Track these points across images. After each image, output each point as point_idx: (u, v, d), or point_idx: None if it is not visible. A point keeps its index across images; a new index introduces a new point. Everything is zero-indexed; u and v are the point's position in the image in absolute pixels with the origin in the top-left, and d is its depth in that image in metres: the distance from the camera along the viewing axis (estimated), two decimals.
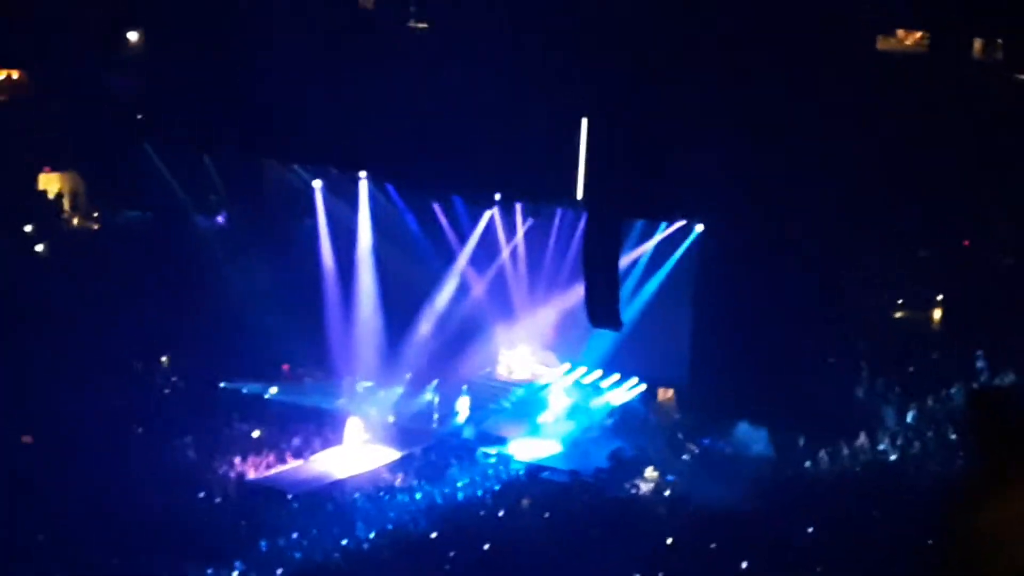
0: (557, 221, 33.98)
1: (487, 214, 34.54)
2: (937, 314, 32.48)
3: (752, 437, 29.68)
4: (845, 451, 28.84)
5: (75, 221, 36.88)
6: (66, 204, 36.88)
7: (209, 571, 24.57)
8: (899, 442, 29.06)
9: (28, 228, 35.05)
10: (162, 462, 29.04)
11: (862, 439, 29.11)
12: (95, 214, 36.92)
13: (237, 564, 24.83)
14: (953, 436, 28.34)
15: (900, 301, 32.50)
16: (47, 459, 28.04)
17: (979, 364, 29.96)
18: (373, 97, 29.09)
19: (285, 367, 34.67)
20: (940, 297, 32.39)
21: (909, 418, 29.84)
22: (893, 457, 28.79)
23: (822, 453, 28.73)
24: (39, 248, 35.00)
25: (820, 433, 29.23)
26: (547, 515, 27.28)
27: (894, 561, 22.61)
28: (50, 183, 36.50)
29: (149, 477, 27.92)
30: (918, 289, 32.24)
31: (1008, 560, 6.18)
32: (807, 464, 28.79)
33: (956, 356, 30.50)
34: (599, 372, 33.81)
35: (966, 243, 31.34)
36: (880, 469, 28.42)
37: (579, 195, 26.15)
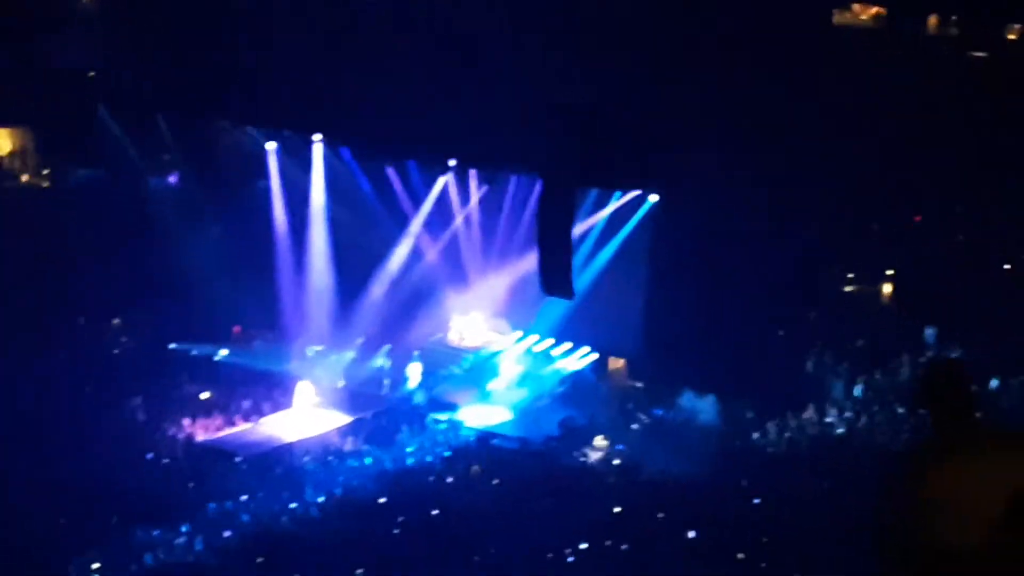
0: (512, 188, 33.87)
1: (441, 180, 34.37)
2: (887, 288, 32.70)
3: (698, 406, 29.81)
4: (793, 423, 29.04)
5: (24, 178, 36.42)
6: (16, 161, 36.40)
7: (156, 533, 24.48)
8: (847, 415, 29.28)
9: None
10: (111, 423, 28.88)
11: (810, 411, 29.30)
12: (45, 171, 36.48)
13: (184, 526, 24.77)
14: (900, 410, 28.59)
15: (851, 275, 32.69)
16: None
17: (927, 339, 30.24)
18: (328, 59, 28.95)
19: (236, 329, 34.48)
20: (890, 272, 32.58)
21: (857, 391, 30.07)
22: (841, 430, 29.00)
23: (770, 424, 28.92)
24: None
25: (769, 405, 29.40)
26: (496, 482, 27.31)
27: (840, 532, 22.79)
28: None
29: (97, 438, 27.75)
30: (869, 263, 32.40)
31: (956, 531, 6.21)
32: (755, 435, 28.96)
33: (905, 330, 30.72)
34: (551, 340, 33.77)
35: (917, 218, 31.53)
36: (827, 441, 28.64)
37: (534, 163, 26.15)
